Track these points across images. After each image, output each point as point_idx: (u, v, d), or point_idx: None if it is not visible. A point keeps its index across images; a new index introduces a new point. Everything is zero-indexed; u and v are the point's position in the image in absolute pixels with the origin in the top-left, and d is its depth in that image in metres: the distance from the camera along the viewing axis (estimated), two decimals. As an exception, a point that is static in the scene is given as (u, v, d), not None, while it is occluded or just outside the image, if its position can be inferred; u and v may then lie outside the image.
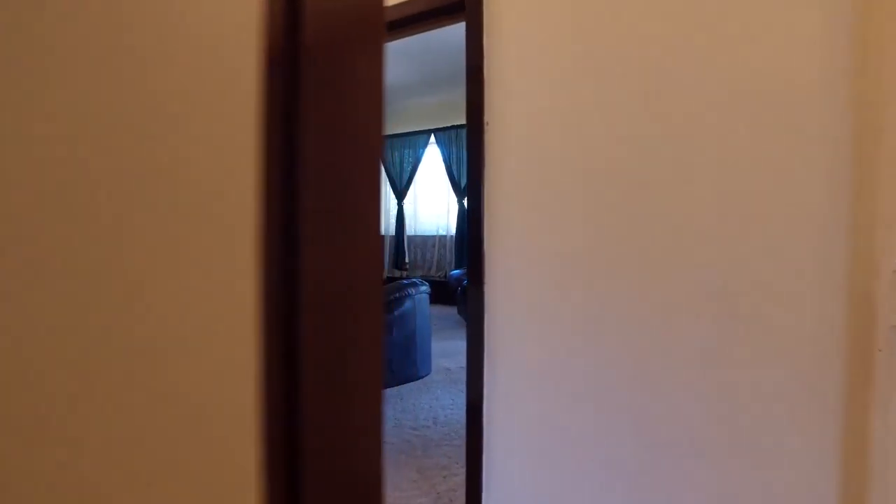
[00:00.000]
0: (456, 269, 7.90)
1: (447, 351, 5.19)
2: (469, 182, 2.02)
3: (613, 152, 1.67)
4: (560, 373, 1.81)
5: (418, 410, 3.58)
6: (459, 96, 7.25)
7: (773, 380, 1.41)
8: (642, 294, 1.62)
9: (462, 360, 5.07)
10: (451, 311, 7.47)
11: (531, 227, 1.86)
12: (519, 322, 1.91)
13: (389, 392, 3.92)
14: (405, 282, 4.22)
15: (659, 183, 1.58)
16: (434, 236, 8.56)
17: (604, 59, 1.69)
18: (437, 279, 8.28)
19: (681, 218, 1.54)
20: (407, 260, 8.58)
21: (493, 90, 1.96)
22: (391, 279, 8.65)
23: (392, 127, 8.60)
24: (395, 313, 3.99)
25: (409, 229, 8.71)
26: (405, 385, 4.07)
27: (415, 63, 6.52)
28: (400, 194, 8.53)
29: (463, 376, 4.13)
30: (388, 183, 8.73)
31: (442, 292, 7.98)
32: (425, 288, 4.29)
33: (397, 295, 4.04)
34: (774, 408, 1.42)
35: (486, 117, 1.96)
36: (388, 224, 8.86)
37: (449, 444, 3.00)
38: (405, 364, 4.09)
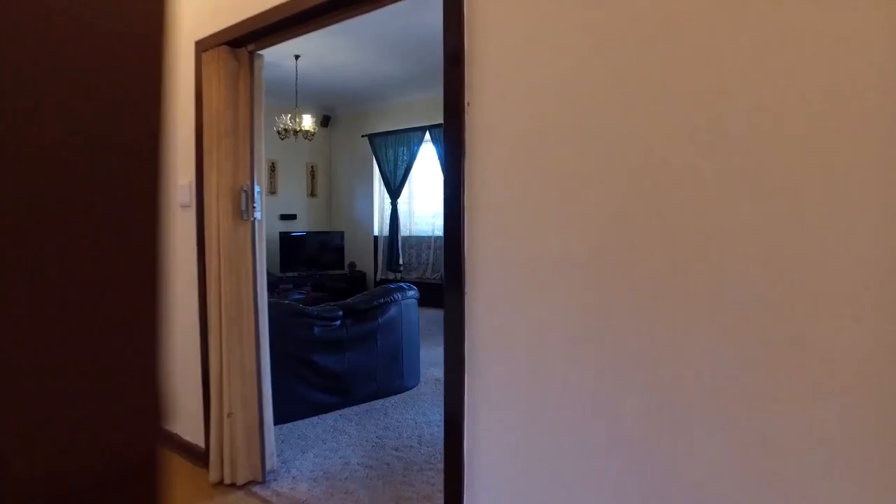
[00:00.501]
0: (451, 271, 7.59)
1: (439, 359, 4.88)
2: (446, 174, 1.72)
3: (618, 136, 1.37)
4: (553, 393, 1.51)
5: (402, 427, 3.28)
6: None
7: (820, 420, 1.11)
8: (650, 304, 1.32)
9: None
10: (446, 316, 7.16)
11: (519, 225, 1.57)
12: (504, 332, 1.61)
13: (373, 406, 3.62)
14: (391, 286, 3.92)
15: (673, 167, 1.28)
16: (430, 237, 8.27)
17: (608, 26, 1.39)
18: (433, 281, 7.98)
19: (701, 212, 1.24)
20: (401, 262, 8.28)
21: (475, 63, 1.66)
22: (385, 281, 8.35)
23: (385, 124, 8.31)
24: (380, 321, 3.70)
25: (404, 230, 8.41)
26: (390, 398, 3.77)
27: (408, 58, 6.23)
28: (394, 193, 8.24)
29: (452, 389, 3.82)
30: (381, 182, 8.43)
31: (437, 295, 7.67)
32: (413, 293, 3.99)
33: (382, 300, 3.74)
34: (820, 457, 1.12)
35: (467, 97, 1.67)
36: (382, 224, 8.56)
37: (433, 468, 2.70)
38: (390, 375, 3.79)
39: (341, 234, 8.54)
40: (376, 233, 8.60)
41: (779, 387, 1.15)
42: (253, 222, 2.50)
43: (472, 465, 1.70)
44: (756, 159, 1.16)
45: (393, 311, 3.79)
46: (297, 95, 6.44)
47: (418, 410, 3.56)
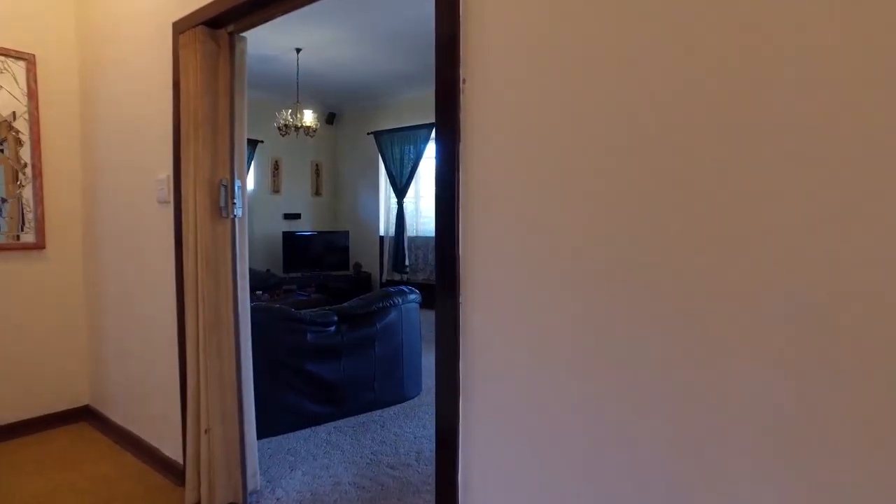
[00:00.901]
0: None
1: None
2: (438, 161, 1.48)
3: (640, 114, 1.13)
4: (561, 415, 1.27)
5: (400, 442, 3.04)
6: None
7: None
8: (682, 314, 1.08)
9: None
10: (453, 319, 6.91)
11: (523, 220, 1.33)
12: (506, 344, 1.38)
13: (370, 418, 3.39)
14: (391, 289, 3.69)
15: (710, 147, 1.04)
16: (436, 238, 8.02)
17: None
18: (439, 283, 7.74)
19: (744, 201, 1.00)
20: (407, 263, 8.06)
21: (472, 35, 1.43)
22: (391, 283, 8.13)
23: (392, 121, 8.09)
24: (378, 326, 3.46)
25: (410, 230, 8.19)
26: (389, 408, 3.54)
27: (414, 53, 6.00)
28: (400, 192, 8.02)
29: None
30: (387, 180, 8.21)
31: (443, 298, 7.44)
32: (415, 297, 3.76)
33: (381, 304, 3.51)
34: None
35: (463, 73, 1.43)
36: (388, 224, 8.35)
37: (430, 490, 2.46)
38: (390, 384, 3.56)
39: (346, 233, 8.33)
40: (382, 233, 8.39)
41: (852, 433, 0.90)
42: (233, 220, 2.28)
43: (468, 498, 1.46)
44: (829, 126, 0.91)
45: (392, 315, 3.56)
46: (298, 90, 6.23)
47: (418, 423, 3.32)
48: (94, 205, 3.22)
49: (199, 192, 2.25)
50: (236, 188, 2.27)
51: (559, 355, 1.26)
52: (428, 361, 4.40)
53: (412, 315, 3.72)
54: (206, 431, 2.31)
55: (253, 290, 6.67)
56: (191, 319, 2.32)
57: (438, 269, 1.49)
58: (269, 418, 3.03)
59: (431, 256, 8.09)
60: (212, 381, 2.29)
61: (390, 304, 3.56)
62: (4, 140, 3.09)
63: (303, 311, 3.19)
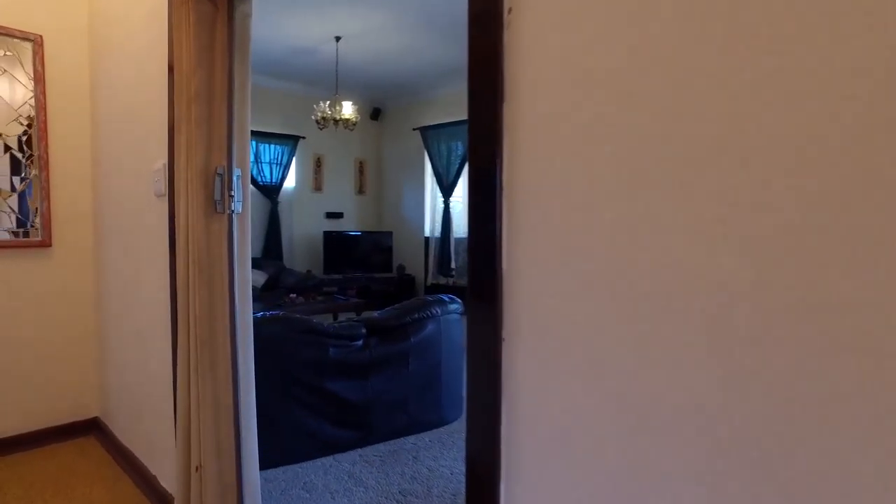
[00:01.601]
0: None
1: (487, 382, 4.18)
2: (472, 131, 1.03)
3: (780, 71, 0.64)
4: (634, 458, 0.80)
5: (434, 478, 2.60)
6: None
7: None
8: (854, 370, 0.58)
9: None
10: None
11: (601, 223, 0.86)
12: (572, 406, 0.91)
13: (403, 444, 2.96)
14: (429, 298, 3.25)
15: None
16: (484, 239, 7.55)
17: None
18: (487, 288, 7.28)
19: None
20: (453, 265, 7.63)
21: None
22: (435, 286, 7.72)
23: (439, 116, 7.67)
24: (413, 340, 3.03)
25: (458, 231, 7.75)
26: (425, 434, 3.10)
27: (459, 43, 5.56)
28: (447, 191, 7.59)
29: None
30: (433, 178, 7.80)
31: (491, 304, 6.97)
32: (456, 306, 3.31)
33: (417, 315, 3.08)
34: None
35: (508, 1, 0.97)
36: (433, 224, 7.94)
37: (466, 550, 2.00)
38: (425, 406, 3.13)
39: (390, 234, 7.97)
40: (427, 233, 7.98)
41: None
42: (230, 216, 1.89)
43: None
44: None
45: (430, 328, 3.12)
46: (337, 81, 5.89)
47: (457, 454, 2.87)
48: (104, 199, 2.92)
49: (191, 183, 1.87)
50: (234, 178, 1.88)
51: (658, 425, 0.78)
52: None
53: (453, 327, 3.28)
54: (197, 469, 1.92)
55: (289, 291, 6.39)
56: (182, 334, 1.95)
57: (472, 292, 1.04)
58: (283, 443, 2.65)
59: (478, 259, 7.61)
60: (205, 409, 1.91)
61: (428, 314, 3.12)
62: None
63: (325, 323, 2.79)
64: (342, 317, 5.99)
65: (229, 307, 1.89)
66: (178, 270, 1.97)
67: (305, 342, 2.69)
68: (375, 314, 3.07)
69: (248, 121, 1.97)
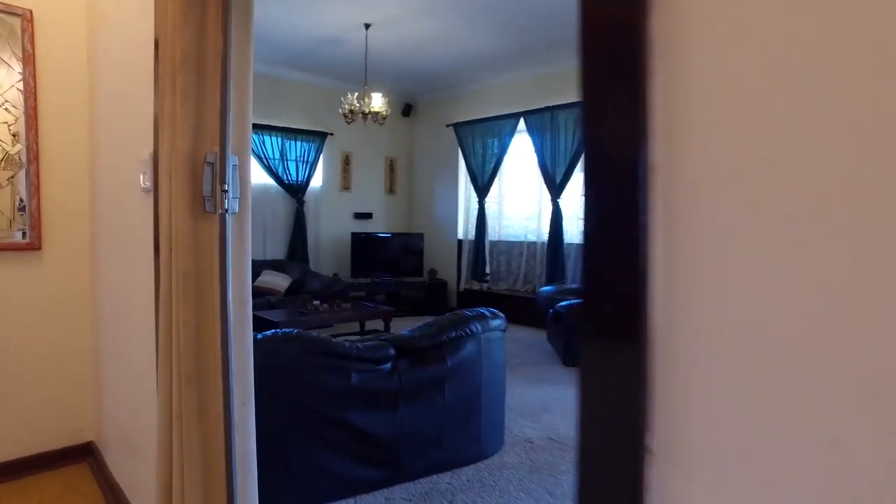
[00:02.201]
0: (547, 283, 6.38)
1: (530, 403, 3.72)
2: (591, 85, 0.57)
3: None
4: None
5: (475, 535, 2.16)
6: (558, 69, 5.63)
7: None
8: None
9: (553, 423, 3.62)
10: (539, 337, 5.98)
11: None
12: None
13: (435, 485, 2.53)
14: (467, 312, 2.81)
15: None
16: (521, 243, 7.09)
17: None
18: (524, 295, 6.81)
19: None
20: (488, 270, 7.17)
21: None
22: (469, 292, 7.27)
23: (474, 111, 7.23)
24: (449, 363, 2.59)
25: (493, 233, 7.30)
26: (461, 471, 2.66)
27: (505, 30, 5.11)
28: (482, 191, 7.14)
29: (553, 456, 2.63)
30: (468, 178, 7.36)
31: (528, 311, 6.51)
32: (499, 322, 2.86)
33: (454, 334, 2.63)
34: None
35: None
36: (467, 226, 7.49)
37: None
38: (462, 439, 2.68)
39: (421, 235, 7.55)
40: (460, 236, 7.54)
41: None
42: (223, 216, 1.47)
43: None
44: None
45: (469, 348, 2.68)
46: (366, 72, 5.49)
47: (499, 496, 2.43)
48: (98, 196, 2.56)
49: (175, 174, 1.46)
50: (229, 168, 1.47)
51: None
52: (512, 398, 3.50)
53: (495, 347, 2.83)
54: (180, 537, 1.52)
55: (313, 297, 6.01)
56: (164, 368, 1.54)
57: (590, 285, 0.58)
58: (297, 484, 2.23)
59: (515, 264, 7.16)
60: (191, 464, 1.49)
61: (466, 332, 2.68)
62: (-9, 114, 2.48)
63: (347, 343, 2.37)
64: (369, 325, 5.58)
65: (221, 333, 1.48)
66: (160, 286, 1.56)
67: (324, 367, 2.27)
68: (405, 332, 2.63)
69: (250, 96, 1.55)
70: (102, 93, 2.36)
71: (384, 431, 2.41)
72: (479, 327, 2.74)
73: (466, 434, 2.70)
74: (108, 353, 2.44)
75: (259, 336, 2.23)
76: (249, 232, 1.56)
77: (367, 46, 5.23)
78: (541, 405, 3.74)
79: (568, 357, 4.78)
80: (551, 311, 5.24)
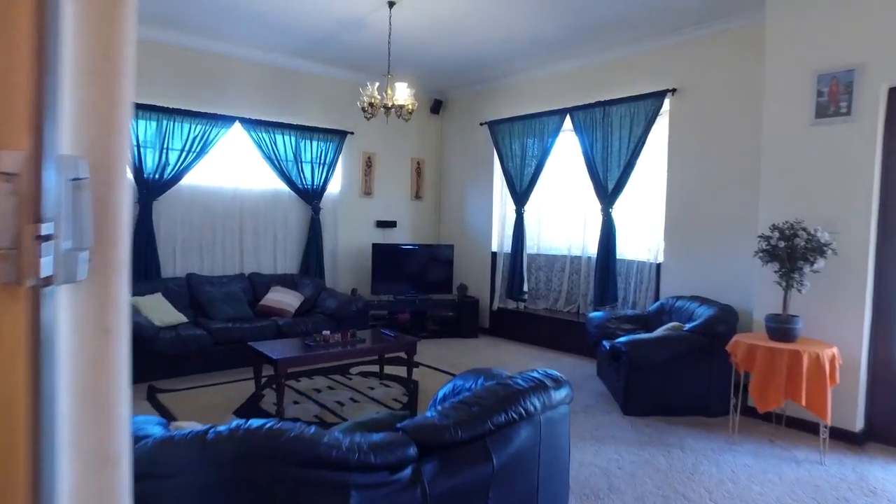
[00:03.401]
0: (597, 306, 5.51)
1: (590, 476, 2.87)
2: None
3: None
4: None
5: None
6: (612, 56, 4.35)
7: None
8: None
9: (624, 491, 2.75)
10: (586, 368, 5.13)
11: None
12: None
13: None
14: (520, 382, 1.98)
15: None
16: (564, 257, 6.24)
17: None
18: (566, 317, 5.95)
19: None
20: (525, 288, 6.32)
21: None
22: (503, 312, 6.44)
23: (510, 107, 6.40)
24: (496, 463, 1.77)
25: (531, 246, 6.45)
26: None
27: (545, 8, 4.27)
28: (520, 199, 6.30)
29: None
30: (504, 183, 6.53)
31: (571, 335, 5.67)
32: (564, 394, 2.03)
33: (502, 419, 1.81)
34: None
35: None
36: (502, 238, 6.66)
37: None
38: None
39: (450, 247, 6.74)
40: (495, 248, 6.72)
41: None
42: (40, 293, 0.67)
43: None
44: None
45: (524, 436, 1.86)
46: (389, 56, 4.70)
47: None
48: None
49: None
50: (57, 187, 0.67)
51: None
52: (578, 485, 2.66)
53: (558, 429, 2.01)
54: None
55: (327, 319, 5.23)
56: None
57: None
58: None
59: (556, 280, 6.31)
60: None
61: (520, 413, 1.85)
62: None
63: (345, 440, 1.56)
64: (386, 369, 4.78)
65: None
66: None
67: (309, 484, 1.47)
68: (429, 416, 1.81)
69: (131, 33, 0.75)
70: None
71: (400, 573, 1.60)
72: (538, 404, 1.92)
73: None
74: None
75: (210, 435, 1.44)
76: (126, 317, 0.77)
77: (390, 28, 4.45)
78: (605, 479, 2.89)
79: (628, 405, 3.91)
80: (606, 344, 4.38)
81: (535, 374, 2.04)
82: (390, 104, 4.24)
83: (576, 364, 5.36)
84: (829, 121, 3.46)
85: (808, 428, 3.55)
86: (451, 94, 7.18)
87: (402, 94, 4.25)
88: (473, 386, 2.31)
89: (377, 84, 4.32)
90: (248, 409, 3.85)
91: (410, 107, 4.31)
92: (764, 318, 3.41)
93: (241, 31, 5.07)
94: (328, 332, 4.07)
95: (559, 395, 2.01)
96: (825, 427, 3.18)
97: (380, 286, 6.35)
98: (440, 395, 2.50)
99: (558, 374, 2.11)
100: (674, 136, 4.94)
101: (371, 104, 4.21)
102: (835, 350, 3.20)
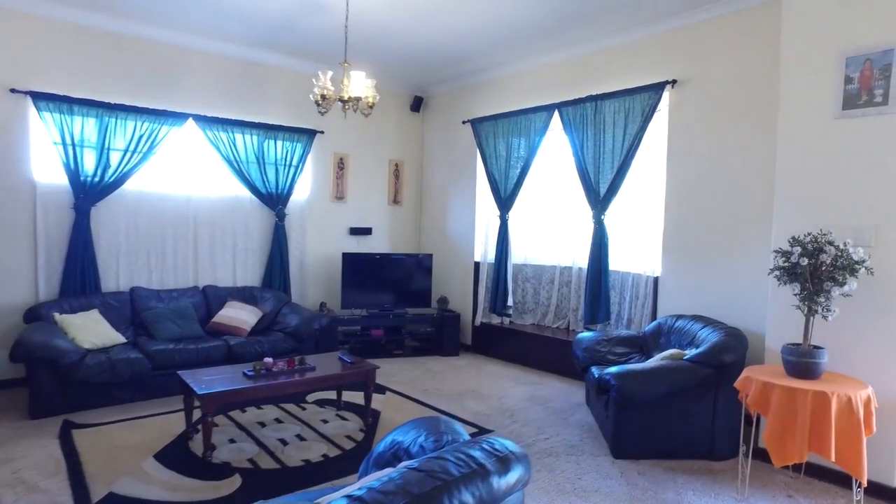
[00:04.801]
0: (587, 324, 4.94)
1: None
2: None
3: None
4: None
5: None
6: (606, 45, 3.59)
7: None
8: None
9: None
10: (574, 394, 4.56)
11: None
12: None
13: None
14: (450, 469, 1.40)
15: None
16: (553, 268, 5.67)
17: None
18: (555, 335, 5.37)
19: None
20: (510, 301, 5.75)
21: None
22: (486, 328, 5.87)
23: (495, 103, 5.84)
24: None
25: (518, 256, 5.89)
26: None
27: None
28: (504, 204, 5.74)
29: None
30: (488, 186, 5.96)
31: (559, 355, 5.10)
32: (515, 477, 1.46)
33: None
34: None
35: None
36: (486, 246, 6.09)
37: None
38: None
39: (429, 257, 6.18)
40: (478, 258, 6.15)
41: None
42: None
43: None
44: None
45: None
46: (346, 43, 4.13)
47: None
48: None
49: None
50: None
51: None
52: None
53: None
54: None
55: (286, 338, 4.63)
56: None
57: None
58: None
59: (544, 293, 5.74)
60: None
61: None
62: None
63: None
64: (346, 396, 4.20)
65: None
66: None
67: None
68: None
69: None
70: None
71: None
72: (476, 496, 1.34)
73: None
74: None
75: None
76: None
77: (347, 8, 3.88)
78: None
79: (619, 447, 3.33)
80: (594, 371, 3.81)
81: (476, 452, 1.47)
82: (346, 96, 3.68)
83: (563, 389, 4.78)
84: (860, 112, 2.89)
85: (835, 479, 2.97)
86: (432, 90, 6.62)
87: (360, 84, 3.68)
88: (412, 446, 1.77)
89: (330, 74, 3.75)
90: (174, 450, 3.28)
91: (371, 100, 3.75)
92: (781, 350, 2.83)
93: (192, 17, 4.52)
94: (270, 360, 3.50)
95: (506, 480, 1.44)
96: (859, 488, 2.60)
97: (351, 299, 5.78)
98: (376, 451, 1.94)
99: (511, 447, 1.54)
100: (673, 133, 4.36)
101: (323, 96, 3.65)
102: (870, 390, 2.62)
